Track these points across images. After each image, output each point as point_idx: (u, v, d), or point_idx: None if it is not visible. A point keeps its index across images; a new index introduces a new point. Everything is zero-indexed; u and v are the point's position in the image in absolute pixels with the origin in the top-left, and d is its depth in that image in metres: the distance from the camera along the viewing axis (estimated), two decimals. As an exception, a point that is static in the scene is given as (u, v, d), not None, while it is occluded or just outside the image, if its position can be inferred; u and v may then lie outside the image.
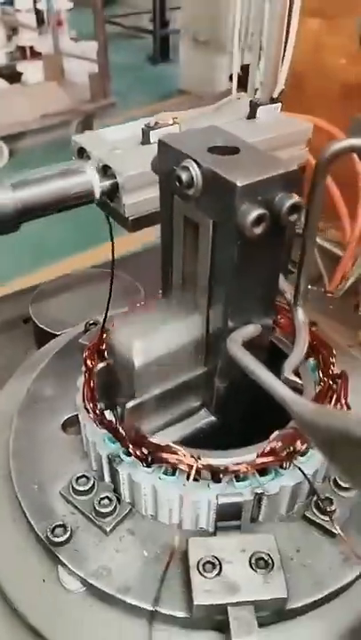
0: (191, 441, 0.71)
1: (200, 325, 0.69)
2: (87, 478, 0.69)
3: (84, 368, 0.73)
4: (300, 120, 1.08)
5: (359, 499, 0.70)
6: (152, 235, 0.86)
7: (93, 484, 0.69)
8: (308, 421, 0.52)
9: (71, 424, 0.79)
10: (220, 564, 0.60)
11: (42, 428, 0.79)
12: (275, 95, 1.14)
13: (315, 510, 0.68)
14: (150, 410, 0.70)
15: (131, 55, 6.25)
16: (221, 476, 0.64)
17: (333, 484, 0.71)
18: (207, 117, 1.02)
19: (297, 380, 0.65)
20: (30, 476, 0.73)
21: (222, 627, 0.59)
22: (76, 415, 0.76)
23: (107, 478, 0.69)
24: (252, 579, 0.60)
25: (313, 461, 0.68)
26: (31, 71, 4.59)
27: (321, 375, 0.77)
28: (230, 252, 0.59)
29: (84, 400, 0.71)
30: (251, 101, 1.08)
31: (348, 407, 0.72)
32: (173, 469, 0.65)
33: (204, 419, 0.75)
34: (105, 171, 0.84)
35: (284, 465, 0.66)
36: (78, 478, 0.69)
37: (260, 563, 0.61)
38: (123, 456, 0.66)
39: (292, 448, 0.65)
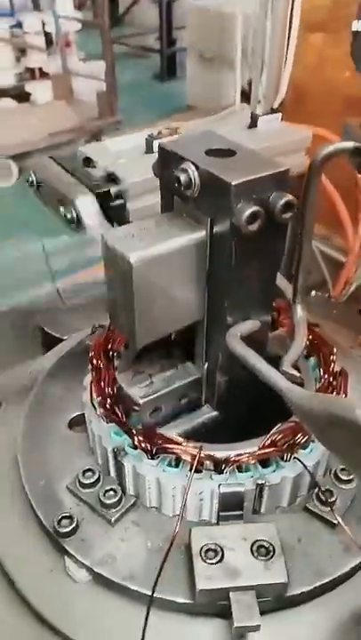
0: (194, 436, 0.73)
1: (200, 237, 0.64)
2: (93, 472, 0.71)
3: (90, 366, 0.76)
4: (300, 129, 1.12)
5: (359, 490, 0.71)
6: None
7: (99, 477, 0.71)
8: (304, 407, 0.54)
9: (77, 423, 0.81)
10: (222, 551, 0.62)
11: (49, 426, 0.81)
12: (275, 106, 1.18)
13: (316, 502, 0.70)
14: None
15: (138, 73, 6.36)
16: (223, 467, 0.66)
17: (334, 477, 0.73)
18: (209, 127, 1.06)
19: (295, 373, 0.67)
20: (38, 471, 0.75)
21: (225, 613, 0.61)
22: (82, 414, 0.78)
23: (112, 472, 0.72)
24: (253, 565, 0.61)
25: (314, 454, 0.69)
26: (40, 91, 4.68)
27: (321, 373, 0.79)
28: (227, 249, 0.62)
29: (91, 397, 0.74)
30: (252, 112, 1.12)
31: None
32: (177, 461, 0.67)
33: (207, 414, 0.77)
34: (110, 178, 0.87)
35: (285, 457, 0.68)
36: (85, 472, 0.71)
37: (262, 550, 0.63)
38: (128, 449, 0.68)
39: (292, 440, 0.67)
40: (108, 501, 0.68)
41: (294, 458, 0.68)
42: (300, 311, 0.76)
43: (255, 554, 0.62)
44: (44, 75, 4.72)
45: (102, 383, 0.72)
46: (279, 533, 0.64)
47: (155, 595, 0.61)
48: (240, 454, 0.66)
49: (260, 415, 0.70)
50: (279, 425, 0.69)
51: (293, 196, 0.60)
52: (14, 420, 0.84)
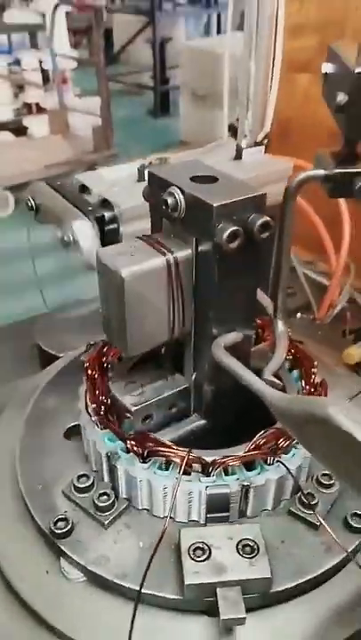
0: (183, 444, 0.77)
1: (187, 255, 0.69)
2: (87, 477, 0.75)
3: (85, 376, 0.81)
4: (281, 160, 1.19)
5: (339, 495, 0.76)
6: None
7: (93, 482, 0.75)
8: (283, 408, 0.59)
9: (73, 433, 0.85)
10: (209, 549, 0.66)
11: (46, 435, 0.85)
12: (259, 139, 1.25)
13: (299, 505, 0.74)
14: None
15: (132, 109, 6.56)
16: (211, 469, 0.70)
17: (316, 482, 0.77)
18: (197, 158, 1.13)
19: (276, 380, 0.72)
20: (35, 477, 0.79)
21: (213, 610, 0.64)
22: (77, 425, 0.82)
23: (105, 477, 0.76)
24: (238, 562, 0.65)
25: (296, 458, 0.74)
26: (37, 125, 4.83)
27: (303, 384, 0.84)
28: (211, 266, 0.68)
29: (86, 405, 0.78)
30: (237, 145, 1.20)
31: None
32: (167, 465, 0.71)
33: (195, 422, 0.81)
34: (104, 204, 0.94)
35: (269, 460, 0.72)
36: (80, 477, 0.75)
37: (247, 549, 0.66)
38: (120, 453, 0.73)
39: (275, 445, 0.72)
40: (101, 504, 0.72)
41: (277, 461, 0.72)
42: (281, 326, 0.81)
43: (241, 552, 0.66)
44: (41, 110, 4.87)
45: (97, 392, 0.77)
46: (263, 534, 0.68)
47: (145, 591, 0.65)
48: (226, 456, 0.70)
49: (246, 424, 0.75)
50: (263, 431, 0.73)
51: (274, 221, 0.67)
52: (13, 430, 0.88)
